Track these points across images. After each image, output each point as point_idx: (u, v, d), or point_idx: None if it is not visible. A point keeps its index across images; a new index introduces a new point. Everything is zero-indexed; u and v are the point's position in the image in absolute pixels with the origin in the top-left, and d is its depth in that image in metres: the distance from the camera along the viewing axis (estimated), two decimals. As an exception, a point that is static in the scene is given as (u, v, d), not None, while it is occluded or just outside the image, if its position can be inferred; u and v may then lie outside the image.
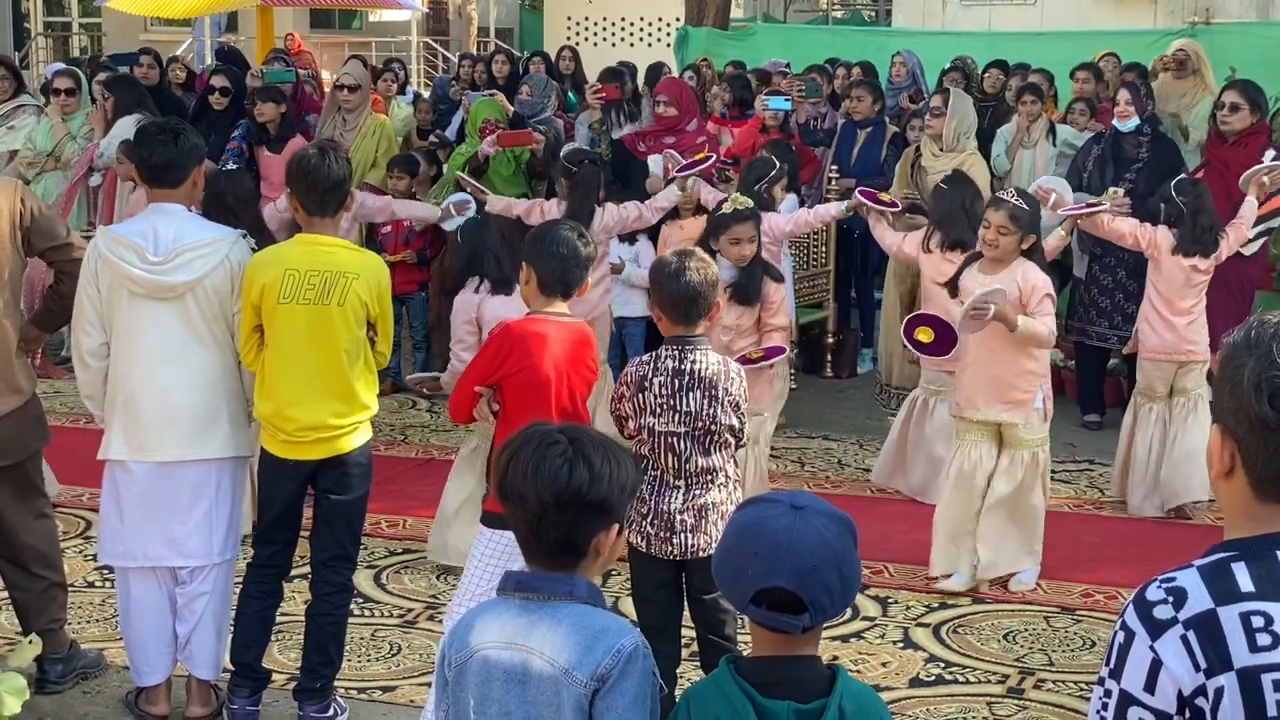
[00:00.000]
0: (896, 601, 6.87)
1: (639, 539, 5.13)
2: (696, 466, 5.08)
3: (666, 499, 5.08)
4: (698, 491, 5.08)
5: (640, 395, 5.07)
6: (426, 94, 14.86)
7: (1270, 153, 9.03)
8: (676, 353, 5.07)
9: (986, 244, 6.85)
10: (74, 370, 5.74)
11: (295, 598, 6.26)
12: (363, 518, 5.65)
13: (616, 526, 2.93)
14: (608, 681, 2.78)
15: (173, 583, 5.57)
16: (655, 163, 10.13)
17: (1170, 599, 2.25)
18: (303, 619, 5.64)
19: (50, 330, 5.93)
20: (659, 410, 5.06)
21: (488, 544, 5.11)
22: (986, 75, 13.03)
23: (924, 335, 7.11)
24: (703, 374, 5.05)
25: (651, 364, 5.09)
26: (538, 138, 10.30)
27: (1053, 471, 7.87)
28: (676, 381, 5.04)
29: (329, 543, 5.51)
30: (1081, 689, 5.89)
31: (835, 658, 6.08)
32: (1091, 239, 9.81)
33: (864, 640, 6.45)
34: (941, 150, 9.43)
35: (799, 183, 10.05)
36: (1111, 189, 9.45)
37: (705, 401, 5.04)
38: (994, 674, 6.14)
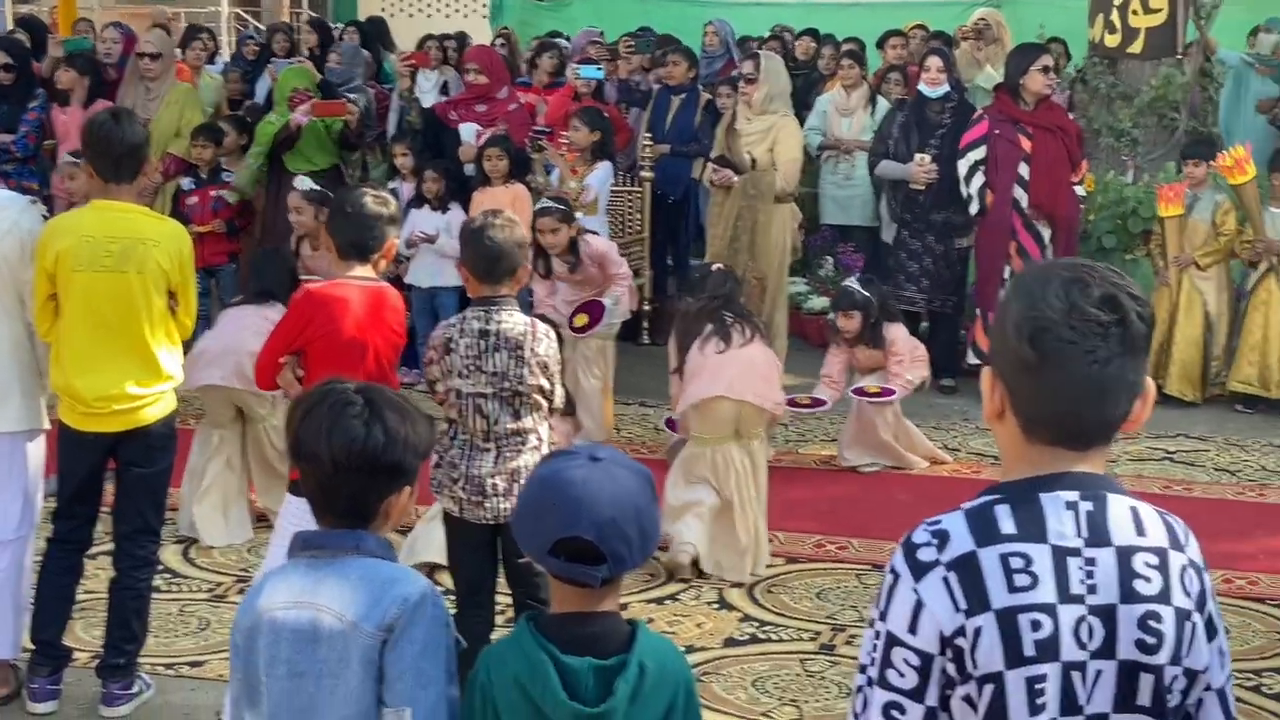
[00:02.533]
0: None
1: (451, 504, 5.08)
2: (506, 429, 5.04)
3: (477, 463, 5.04)
4: (509, 455, 5.05)
5: (447, 357, 5.02)
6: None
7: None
8: (482, 313, 5.02)
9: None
10: None
11: (99, 574, 6.09)
12: (166, 490, 5.53)
13: (408, 489, 2.90)
14: (395, 631, 2.74)
15: None
16: (466, 130, 10.07)
17: (935, 541, 2.28)
18: (106, 596, 5.50)
19: None
20: (465, 372, 5.01)
21: (295, 511, 5.01)
22: (799, 43, 13.16)
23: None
24: (509, 334, 5.01)
25: (458, 325, 5.04)
26: (351, 108, 10.17)
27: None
28: (482, 342, 5.00)
29: (131, 516, 5.38)
30: (891, 643, 5.97)
31: (650, 620, 6.10)
32: (901, 206, 9.98)
33: (679, 602, 6.47)
34: (754, 114, 9.47)
35: (612, 150, 10.04)
36: (919, 155, 9.63)
37: (512, 362, 5.00)
38: (807, 631, 6.21)
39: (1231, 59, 12.01)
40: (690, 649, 5.85)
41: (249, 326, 6.95)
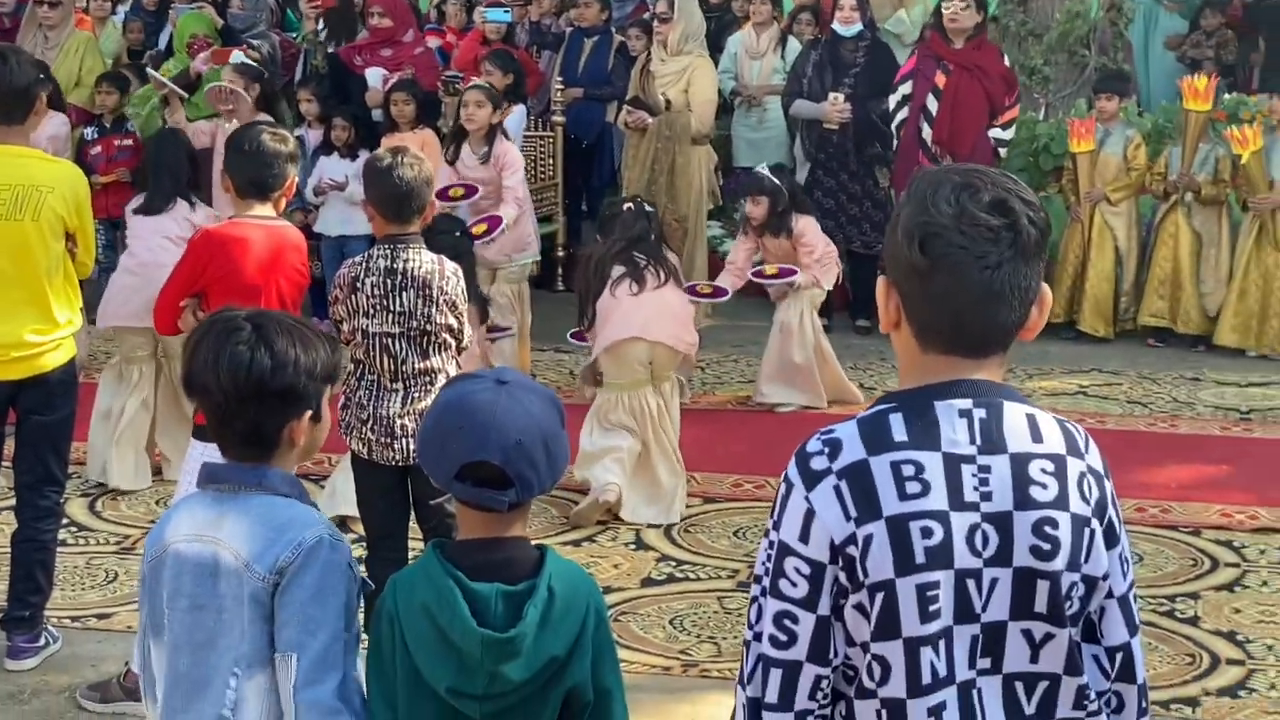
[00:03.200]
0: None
1: (360, 445, 5.01)
2: (414, 369, 4.97)
3: (385, 403, 4.97)
4: (417, 395, 4.98)
5: (353, 296, 4.94)
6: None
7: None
8: (389, 251, 4.94)
9: None
10: None
11: (3, 529, 5.99)
12: (69, 439, 5.42)
13: (309, 413, 2.79)
14: (285, 575, 2.66)
15: None
16: (373, 75, 9.93)
17: (826, 450, 2.25)
18: (8, 549, 5.40)
19: None
20: (372, 311, 4.93)
21: (199, 458, 4.92)
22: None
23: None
24: (416, 272, 4.94)
25: (364, 264, 4.96)
26: (253, 54, 9.98)
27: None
28: (389, 281, 4.92)
29: (34, 465, 5.28)
30: (807, 578, 5.97)
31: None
32: (814, 145, 9.93)
33: (596, 544, 6.44)
34: (669, 54, 9.41)
35: (525, 93, 9.94)
36: (832, 94, 9.60)
37: (420, 301, 4.93)
38: (724, 569, 6.20)
39: (1139, -6, 12.08)
40: (608, 589, 5.81)
41: (160, 255, 6.77)
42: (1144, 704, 2.41)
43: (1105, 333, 9.71)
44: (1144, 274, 9.72)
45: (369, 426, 4.97)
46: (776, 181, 8.29)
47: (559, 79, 10.73)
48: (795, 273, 8.16)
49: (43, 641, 5.37)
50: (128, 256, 7.15)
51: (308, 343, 2.79)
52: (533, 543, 2.74)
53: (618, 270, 6.87)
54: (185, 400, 6.74)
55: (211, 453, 4.72)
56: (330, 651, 2.64)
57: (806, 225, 8.28)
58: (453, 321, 5.01)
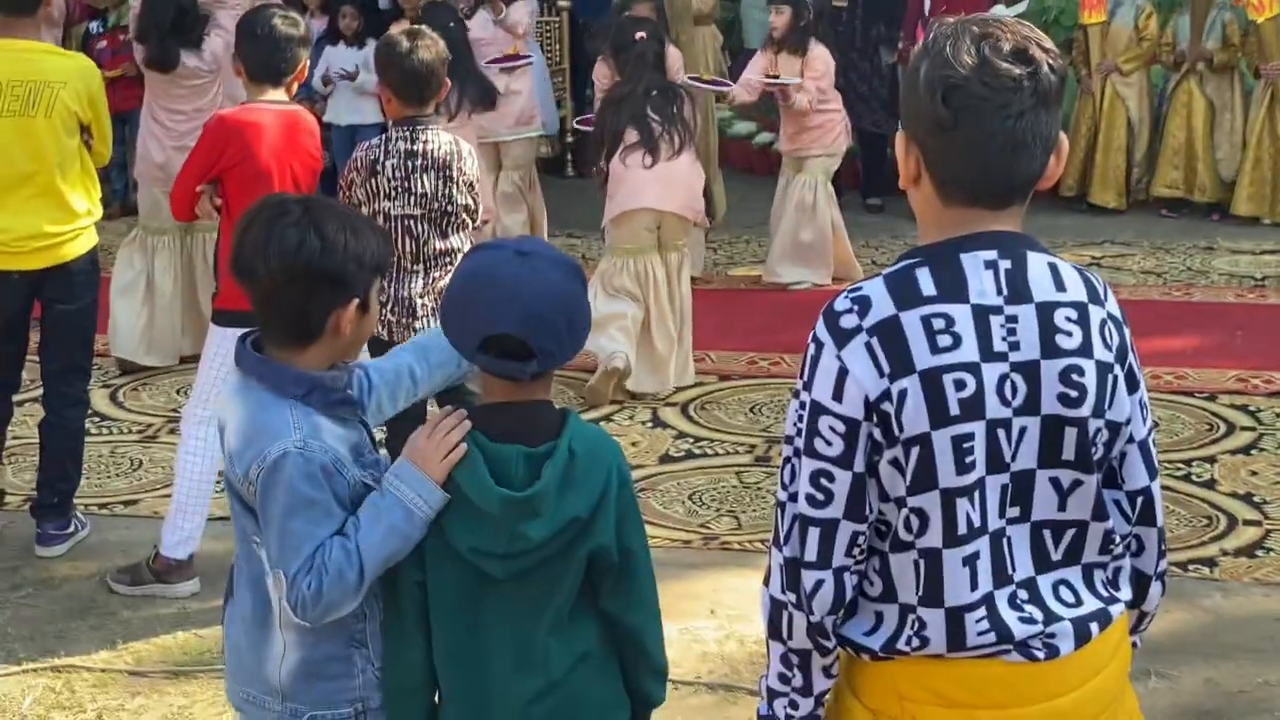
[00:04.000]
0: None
1: (380, 328, 5.00)
2: (434, 250, 4.99)
3: (406, 285, 4.99)
4: (437, 275, 5.00)
5: (373, 179, 4.93)
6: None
7: None
8: (408, 134, 4.94)
9: None
10: None
11: (27, 421, 6.05)
12: (94, 326, 5.46)
13: (356, 301, 2.72)
14: (258, 489, 2.63)
15: None
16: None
17: (856, 308, 2.25)
18: (36, 441, 5.45)
19: None
20: (393, 194, 4.93)
21: (220, 341, 4.96)
22: None
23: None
24: (435, 154, 4.95)
25: (382, 147, 4.95)
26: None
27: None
28: (410, 163, 4.92)
29: (59, 354, 5.32)
30: (826, 451, 6.01)
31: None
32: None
33: (613, 423, 6.49)
34: None
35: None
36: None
37: (440, 182, 4.94)
38: (742, 445, 6.25)
39: None
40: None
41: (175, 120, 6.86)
42: (1162, 546, 2.45)
43: (1118, 204, 9.69)
44: (1157, 145, 9.68)
45: (389, 308, 4.99)
46: None
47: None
48: (728, 85, 8.29)
49: (72, 528, 5.44)
50: (149, 140, 7.18)
51: (358, 230, 2.73)
52: (556, 406, 2.76)
53: (632, 136, 6.77)
54: (204, 281, 6.87)
55: (231, 336, 4.81)
56: (321, 556, 2.60)
57: (820, 52, 8.24)
58: (470, 201, 5.02)
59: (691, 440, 6.30)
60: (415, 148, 4.93)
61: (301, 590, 2.59)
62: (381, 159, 4.93)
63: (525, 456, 2.63)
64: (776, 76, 8.17)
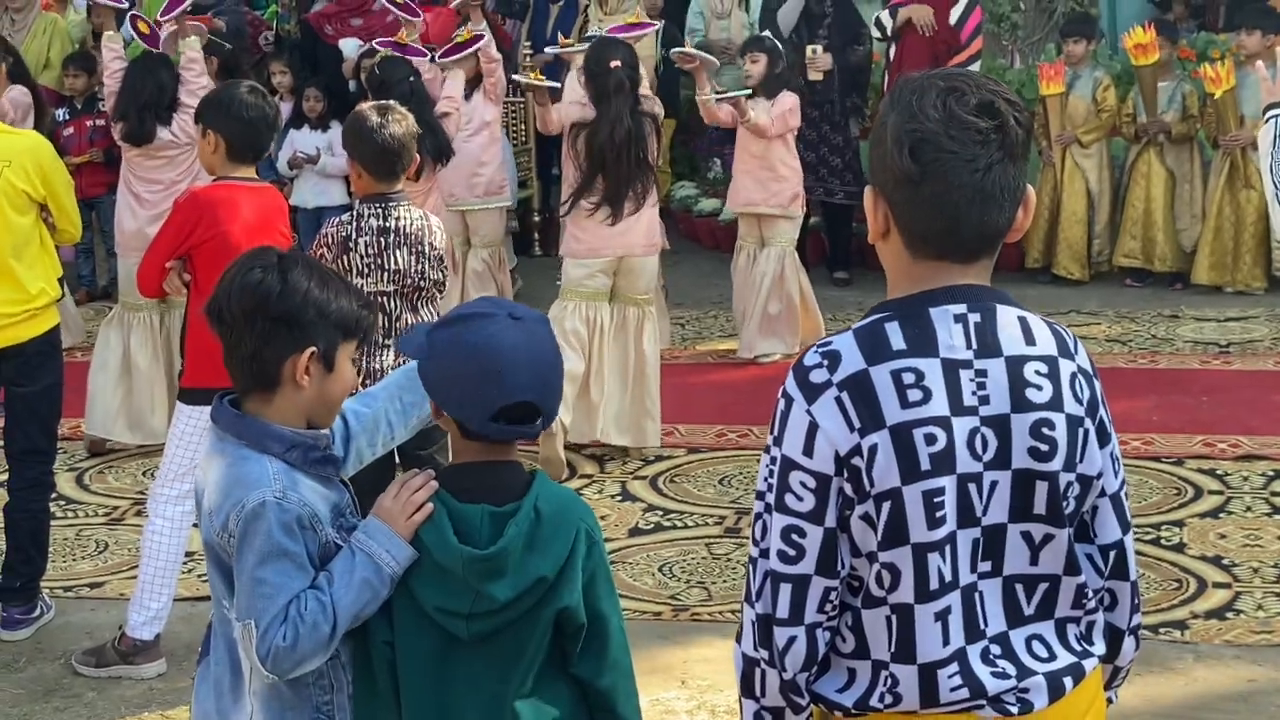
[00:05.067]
0: (613, 458, 6.89)
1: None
2: (405, 324, 4.99)
3: (378, 359, 4.98)
4: None
5: (345, 256, 4.92)
6: None
7: None
8: (380, 210, 4.95)
9: None
10: None
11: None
12: (55, 409, 5.41)
13: (312, 350, 2.70)
14: (235, 540, 2.62)
15: None
16: (348, 46, 9.88)
17: (825, 362, 2.25)
18: (1, 526, 5.41)
19: None
20: (366, 270, 4.93)
21: (186, 421, 4.93)
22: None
23: None
24: (408, 230, 4.97)
25: (354, 223, 4.95)
26: (217, 23, 9.94)
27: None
28: (383, 240, 4.93)
29: (18, 437, 5.29)
30: (796, 522, 6.00)
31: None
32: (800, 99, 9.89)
33: (582, 496, 6.44)
34: (606, 13, 9.39)
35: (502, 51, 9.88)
36: (810, 47, 9.60)
37: (413, 258, 4.96)
38: (711, 516, 6.23)
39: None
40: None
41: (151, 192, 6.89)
42: (1136, 600, 2.45)
43: (1080, 275, 9.75)
44: (1118, 215, 9.76)
45: (362, 382, 4.97)
46: (776, 42, 8.32)
47: (527, 44, 10.68)
48: (651, 26, 8.29)
49: (37, 612, 5.38)
50: (126, 215, 7.25)
51: (329, 284, 2.74)
52: (525, 467, 2.75)
53: (593, 196, 6.70)
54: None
55: (196, 415, 4.79)
56: (295, 609, 2.59)
57: (790, 98, 8.22)
58: (440, 275, 5.06)
59: (661, 513, 6.28)
60: (388, 224, 4.94)
61: (274, 642, 2.57)
62: (354, 236, 4.93)
63: (490, 515, 2.63)
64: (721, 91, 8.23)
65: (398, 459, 5.06)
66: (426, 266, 4.98)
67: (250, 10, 11.84)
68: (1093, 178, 9.71)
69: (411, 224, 4.97)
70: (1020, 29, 10.73)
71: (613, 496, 6.48)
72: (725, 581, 5.60)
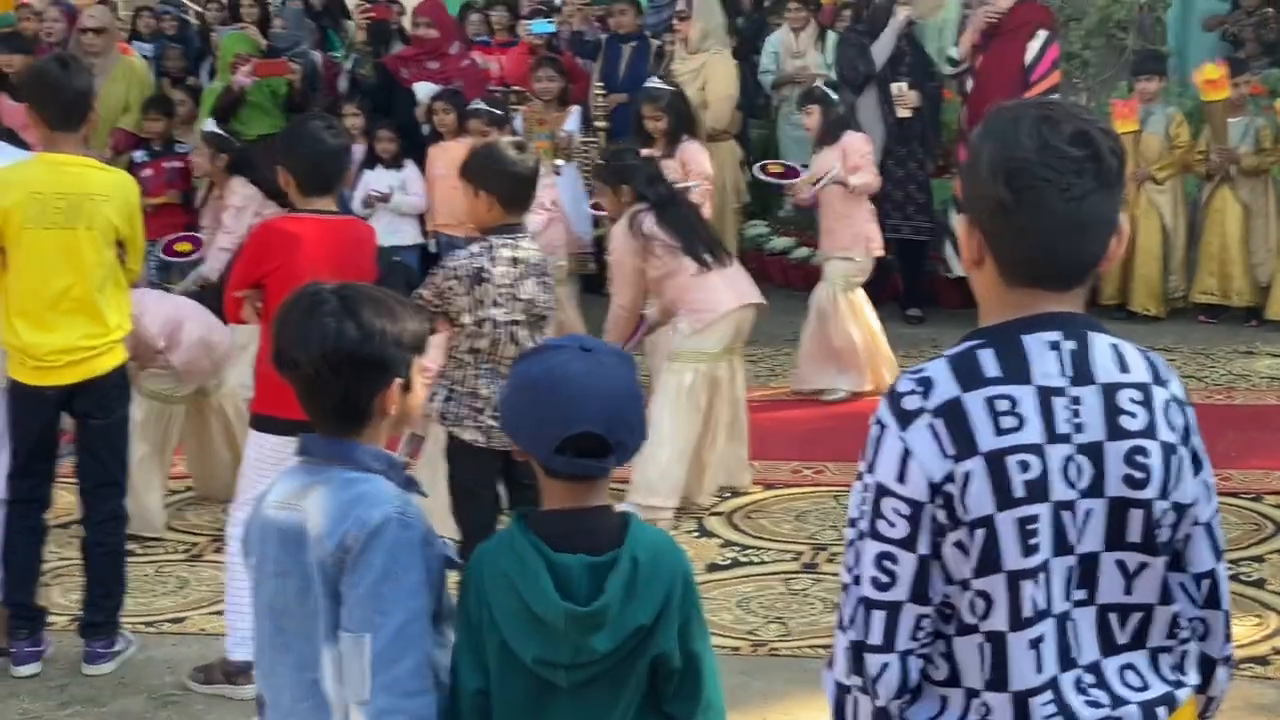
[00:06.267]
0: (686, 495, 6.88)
1: (477, 435, 5.02)
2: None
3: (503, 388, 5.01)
4: None
5: (479, 287, 4.95)
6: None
7: (1042, 33, 9.27)
8: (510, 241, 5.02)
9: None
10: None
11: (74, 542, 6.05)
12: (127, 442, 5.49)
13: (399, 381, 2.77)
14: (351, 554, 2.64)
15: None
16: (423, 90, 9.98)
17: (919, 389, 2.25)
18: (81, 561, 5.45)
19: None
20: (501, 300, 4.98)
21: (256, 448, 4.98)
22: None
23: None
24: (534, 260, 5.06)
25: (486, 255, 4.98)
26: (294, 67, 10.09)
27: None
28: (514, 270, 4.99)
29: (94, 470, 5.35)
30: (873, 558, 5.98)
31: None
32: (893, 138, 9.88)
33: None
34: (690, 52, 9.43)
35: (576, 96, 9.97)
36: (895, 85, 9.63)
37: (539, 288, 5.06)
38: (788, 552, 6.22)
39: (1178, -23, 12.04)
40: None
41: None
42: (1228, 630, 2.43)
43: (1157, 311, 9.69)
44: (1193, 251, 9.70)
45: (487, 414, 4.99)
46: (827, 90, 8.28)
47: (599, 85, 10.75)
48: (797, 173, 8.09)
49: (119, 646, 5.43)
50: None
51: (393, 312, 2.78)
52: (616, 509, 2.75)
53: (676, 248, 6.56)
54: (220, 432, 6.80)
55: (266, 442, 4.83)
56: (406, 631, 2.61)
57: (852, 140, 8.19)
58: (554, 304, 5.23)
59: (738, 548, 6.28)
60: (518, 254, 5.01)
61: (389, 656, 2.60)
62: (488, 266, 4.97)
63: (588, 567, 2.61)
64: (777, 171, 8.20)
65: (505, 493, 5.12)
66: (549, 295, 5.13)
67: (324, 52, 11.99)
68: (1167, 214, 9.66)
69: (535, 254, 5.09)
70: (1091, 66, 10.70)
71: (689, 532, 6.48)
72: (803, 617, 5.59)
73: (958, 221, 2.39)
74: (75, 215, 5.09)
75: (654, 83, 7.65)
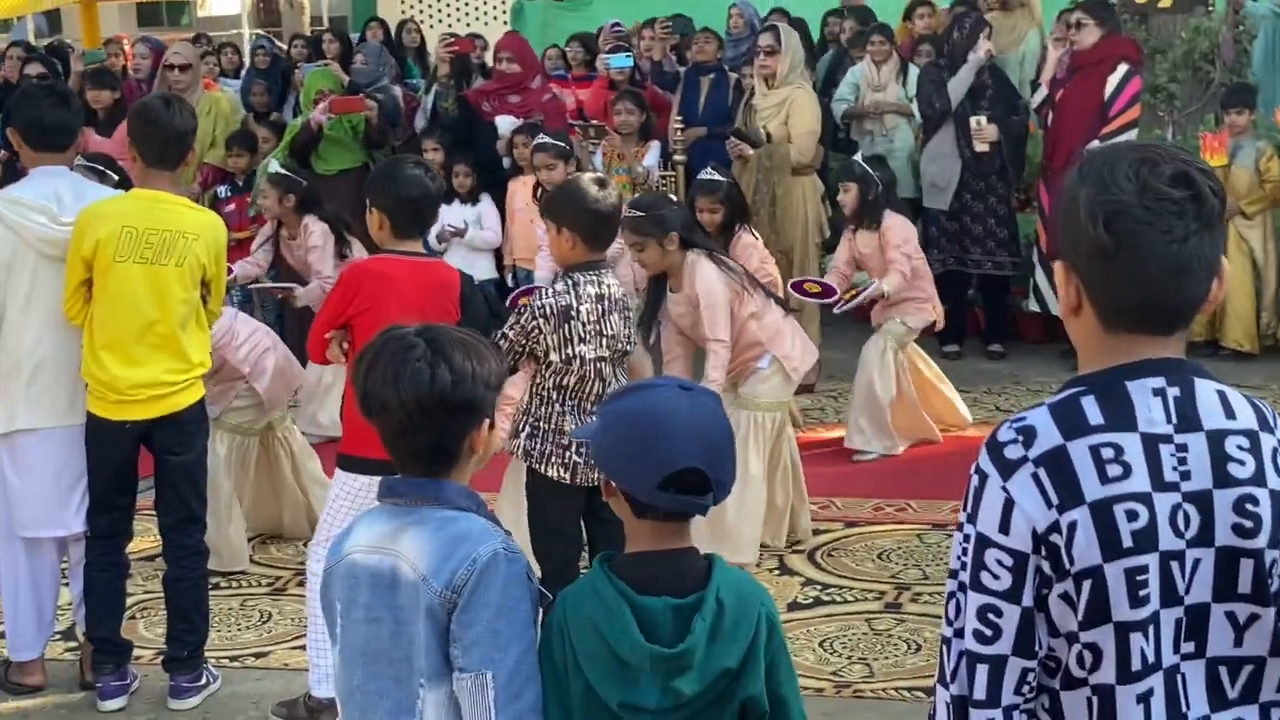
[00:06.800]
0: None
1: (562, 472, 5.00)
2: (613, 388, 5.04)
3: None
4: None
5: (567, 324, 4.93)
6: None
7: (1123, 67, 9.19)
8: (594, 278, 5.00)
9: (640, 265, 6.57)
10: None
11: (159, 575, 6.08)
12: (205, 475, 5.54)
13: (486, 422, 2.81)
14: (464, 594, 2.65)
15: (58, 554, 5.49)
16: (504, 124, 10.02)
17: (1020, 438, 2.21)
18: (164, 596, 5.49)
19: None
20: (589, 337, 4.97)
21: (343, 486, 4.99)
22: (827, 24, 13.08)
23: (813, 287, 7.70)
24: (617, 296, 5.06)
25: (571, 292, 4.96)
26: (370, 103, 10.15)
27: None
28: (600, 306, 4.99)
29: (175, 505, 5.38)
30: (958, 598, 5.91)
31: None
32: (972, 172, 9.80)
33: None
34: (771, 88, 9.40)
35: (657, 130, 9.97)
36: (974, 119, 9.57)
37: (622, 323, 5.06)
38: (871, 592, 6.16)
39: (1260, 9, 11.87)
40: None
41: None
42: None
43: (1250, 347, 9.56)
44: (1285, 287, 9.58)
45: (573, 450, 4.99)
46: (866, 167, 8.01)
47: (678, 118, 10.73)
48: (834, 292, 7.84)
49: (204, 681, 5.45)
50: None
51: (480, 354, 2.80)
52: (701, 552, 2.73)
53: (745, 286, 6.51)
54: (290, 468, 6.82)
55: (355, 483, 4.85)
56: (523, 665, 2.64)
57: (893, 221, 7.95)
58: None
59: (820, 587, 6.22)
60: (603, 290, 5.01)
61: (512, 691, 2.62)
62: (574, 304, 4.95)
63: (673, 610, 2.60)
64: (814, 292, 7.97)
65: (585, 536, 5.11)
66: (631, 330, 5.13)
67: (405, 86, 12.07)
68: (1258, 249, 9.54)
69: (618, 289, 5.09)
70: (1177, 99, 10.57)
71: (770, 570, 6.42)
72: (887, 658, 5.52)
73: (1055, 267, 2.34)
74: (165, 252, 5.14)
75: (709, 174, 7.55)
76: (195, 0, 26.82)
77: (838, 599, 6.10)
